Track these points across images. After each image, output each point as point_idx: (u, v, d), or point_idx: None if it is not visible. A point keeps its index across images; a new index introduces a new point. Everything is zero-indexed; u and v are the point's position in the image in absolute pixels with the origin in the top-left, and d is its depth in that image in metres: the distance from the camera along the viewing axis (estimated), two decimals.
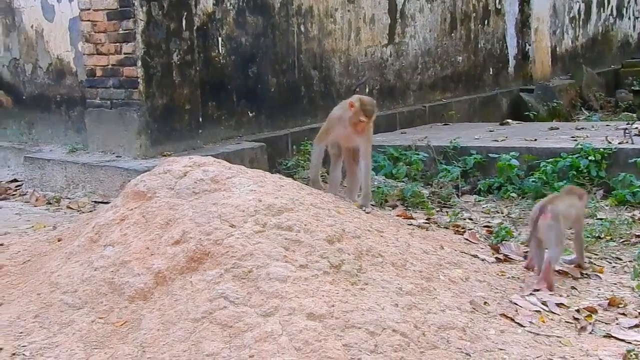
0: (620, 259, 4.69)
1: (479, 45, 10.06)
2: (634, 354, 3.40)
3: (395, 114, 8.65)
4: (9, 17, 7.88)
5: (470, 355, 3.31)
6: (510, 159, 6.30)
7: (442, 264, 4.13)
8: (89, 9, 6.81)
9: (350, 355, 3.11)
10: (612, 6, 13.08)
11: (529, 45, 10.82)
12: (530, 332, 3.60)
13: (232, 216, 3.68)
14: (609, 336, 3.63)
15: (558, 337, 3.59)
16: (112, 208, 4.07)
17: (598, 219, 5.39)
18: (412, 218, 5.32)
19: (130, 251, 3.64)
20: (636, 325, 3.73)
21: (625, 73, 12.45)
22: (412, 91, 9.10)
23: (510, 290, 4.05)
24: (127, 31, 6.56)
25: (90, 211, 6.03)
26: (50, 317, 3.46)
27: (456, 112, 9.20)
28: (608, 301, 3.97)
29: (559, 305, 3.91)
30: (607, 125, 8.19)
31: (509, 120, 8.90)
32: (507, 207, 5.85)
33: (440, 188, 6.18)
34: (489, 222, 5.44)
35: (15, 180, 7.50)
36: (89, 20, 6.82)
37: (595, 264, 4.54)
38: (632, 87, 11.88)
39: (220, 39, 7.19)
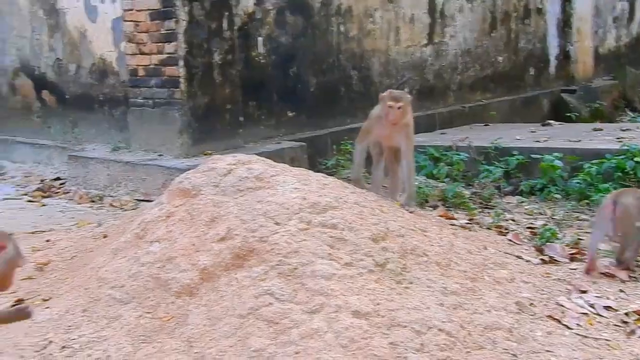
0: None
1: (520, 45, 9.96)
2: None
3: (435, 114, 8.60)
4: (53, 18, 8.00)
5: (517, 357, 3.28)
6: (554, 159, 6.21)
7: (486, 264, 4.10)
8: (131, 10, 6.89)
9: (397, 353, 3.10)
10: None
11: (571, 45, 10.67)
12: (578, 335, 3.55)
13: (277, 214, 3.69)
14: None
15: (606, 340, 3.54)
16: (158, 205, 4.10)
17: None
18: (454, 218, 5.28)
19: (176, 247, 3.67)
20: None
21: None
22: (452, 91, 9.05)
23: (556, 291, 4.00)
24: (169, 31, 6.63)
25: (133, 209, 6.09)
26: (98, 311, 3.50)
27: (496, 112, 9.11)
28: None
29: (606, 308, 3.85)
30: None
31: (551, 121, 8.80)
32: (550, 208, 5.77)
33: (482, 189, 6.13)
34: (532, 223, 5.37)
35: (59, 179, 7.62)
36: (131, 21, 6.90)
37: None
38: None
39: (260, 38, 7.23)
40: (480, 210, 5.74)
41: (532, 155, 6.50)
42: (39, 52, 8.22)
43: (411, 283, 3.55)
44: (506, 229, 5.11)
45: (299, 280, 3.37)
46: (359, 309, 3.25)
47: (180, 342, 3.23)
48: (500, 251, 4.49)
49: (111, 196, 6.74)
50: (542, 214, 5.67)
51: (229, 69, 6.85)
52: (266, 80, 7.25)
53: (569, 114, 9.75)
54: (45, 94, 8.25)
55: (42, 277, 4.18)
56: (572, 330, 3.58)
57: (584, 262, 4.40)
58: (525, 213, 5.73)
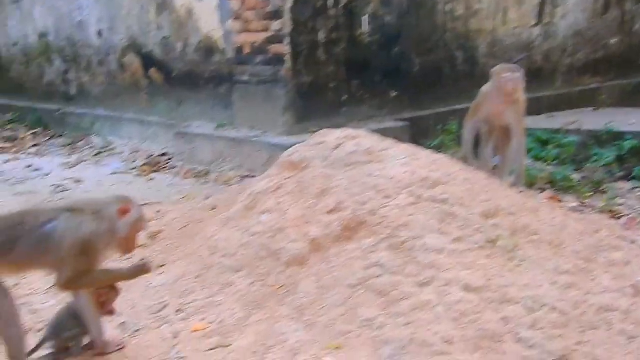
0: None
1: (634, 28, 9.56)
2: None
3: (542, 97, 8.35)
4: None
5: (634, 339, 3.17)
6: None
7: (600, 246, 3.97)
8: None
9: (508, 329, 3.05)
10: None
11: None
12: None
13: (387, 187, 3.68)
14: None
15: None
16: (267, 177, 4.16)
17: None
18: (563, 202, 5.15)
19: (286, 218, 3.71)
20: None
21: None
22: (561, 74, 8.78)
23: None
24: (275, 9, 6.67)
25: (238, 184, 6.20)
26: (210, 277, 3.58)
27: (607, 96, 8.79)
28: None
29: None
30: None
31: None
32: None
33: (593, 173, 5.94)
34: None
35: (165, 154, 7.82)
36: None
37: None
38: None
39: (365, 17, 7.18)
40: (590, 194, 5.57)
41: None
42: (147, 31, 8.42)
43: (523, 261, 3.48)
44: (619, 214, 4.94)
45: (409, 254, 3.36)
46: (470, 283, 3.21)
47: (290, 310, 3.28)
48: (613, 235, 4.34)
49: (216, 172, 6.87)
50: None
51: (334, 47, 6.86)
52: (370, 60, 7.22)
53: None
54: (152, 71, 8.44)
55: (155, 245, 4.31)
56: None
57: None
58: (638, 199, 5.53)
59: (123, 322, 3.43)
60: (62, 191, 6.64)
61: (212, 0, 7.61)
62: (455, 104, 7.35)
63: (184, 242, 4.13)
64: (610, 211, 4.99)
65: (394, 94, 7.40)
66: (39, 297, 3.86)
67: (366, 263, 3.34)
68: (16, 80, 9.98)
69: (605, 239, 4.13)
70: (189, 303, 3.45)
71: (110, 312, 3.24)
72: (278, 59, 6.70)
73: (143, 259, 3.52)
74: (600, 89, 8.95)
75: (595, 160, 6.13)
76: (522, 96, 4.58)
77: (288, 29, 6.61)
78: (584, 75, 9.01)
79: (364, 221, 3.54)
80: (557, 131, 6.70)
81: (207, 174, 6.88)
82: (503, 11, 8.13)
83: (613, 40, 9.31)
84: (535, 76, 8.34)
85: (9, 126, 9.67)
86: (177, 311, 3.42)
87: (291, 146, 4.47)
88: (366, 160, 3.91)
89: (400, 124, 7.00)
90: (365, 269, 3.32)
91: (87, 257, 2.85)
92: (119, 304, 3.42)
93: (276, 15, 6.66)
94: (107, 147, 8.44)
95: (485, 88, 4.69)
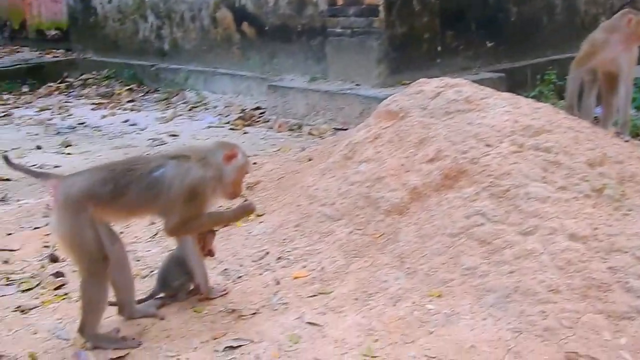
0: None
1: None
2: None
3: None
4: None
5: None
6: None
7: None
8: None
9: (616, 278, 2.97)
10: None
11: None
12: None
13: (488, 136, 3.61)
14: None
15: None
16: (365, 127, 4.13)
17: None
18: None
19: (384, 168, 3.69)
20: None
21: None
22: None
23: None
24: None
25: (331, 137, 6.20)
26: (310, 226, 3.61)
27: None
28: None
29: None
30: None
31: None
32: None
33: None
34: None
35: (259, 108, 7.89)
36: None
37: None
38: None
39: None
40: None
41: None
42: None
43: (630, 210, 3.37)
44: None
45: (512, 202, 3.30)
46: (575, 232, 3.13)
47: (391, 258, 3.28)
48: None
49: (309, 125, 6.90)
50: None
51: None
52: (465, 9, 7.07)
53: None
54: (245, 25, 8.49)
55: (253, 195, 4.36)
56: None
57: None
58: None
59: (226, 269, 3.50)
60: (159, 145, 6.81)
61: None
62: (553, 54, 7.14)
63: (282, 193, 4.17)
64: None
65: (489, 44, 7.24)
66: (143, 244, 3.97)
67: (468, 212, 3.30)
68: (111, 37, 10.24)
69: None
70: (289, 251, 3.49)
71: (211, 253, 3.30)
72: (371, 10, 6.63)
73: (246, 200, 3.57)
74: None
75: None
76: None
77: None
78: None
79: (464, 170, 3.49)
80: None
81: (300, 127, 6.92)
82: None
83: None
84: None
85: (104, 82, 9.95)
86: (277, 259, 3.46)
87: (385, 98, 4.43)
88: (466, 109, 3.84)
89: (496, 75, 6.85)
90: (467, 218, 3.28)
91: (195, 202, 2.91)
92: (221, 251, 3.50)
93: None
94: (200, 101, 8.58)
95: (599, 36, 4.52)
